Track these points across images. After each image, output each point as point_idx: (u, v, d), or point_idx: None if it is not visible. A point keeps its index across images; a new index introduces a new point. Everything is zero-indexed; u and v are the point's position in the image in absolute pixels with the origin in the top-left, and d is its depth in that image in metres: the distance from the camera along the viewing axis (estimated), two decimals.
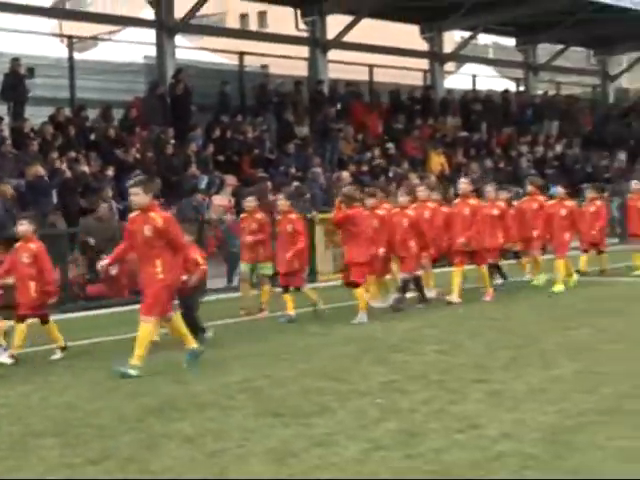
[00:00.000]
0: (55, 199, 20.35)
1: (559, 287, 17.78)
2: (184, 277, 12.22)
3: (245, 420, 8.49)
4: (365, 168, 26.80)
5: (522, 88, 39.39)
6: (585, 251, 20.07)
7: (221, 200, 15.87)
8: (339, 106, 30.02)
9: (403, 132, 30.56)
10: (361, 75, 32.48)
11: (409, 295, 16.57)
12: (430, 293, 16.99)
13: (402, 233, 15.91)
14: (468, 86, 37.45)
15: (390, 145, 28.85)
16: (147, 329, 10.91)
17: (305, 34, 30.58)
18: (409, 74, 34.10)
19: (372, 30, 33.35)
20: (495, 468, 6.85)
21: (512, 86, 39.96)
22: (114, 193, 21.00)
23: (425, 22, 33.94)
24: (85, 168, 21.21)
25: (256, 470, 6.98)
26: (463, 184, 17.33)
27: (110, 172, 21.62)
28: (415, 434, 7.82)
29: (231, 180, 23.10)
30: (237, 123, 26.29)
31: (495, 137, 33.38)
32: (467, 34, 37.91)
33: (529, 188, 19.64)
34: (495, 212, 17.91)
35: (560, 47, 40.69)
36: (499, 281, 18.59)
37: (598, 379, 9.61)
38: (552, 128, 36.08)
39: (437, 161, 29.54)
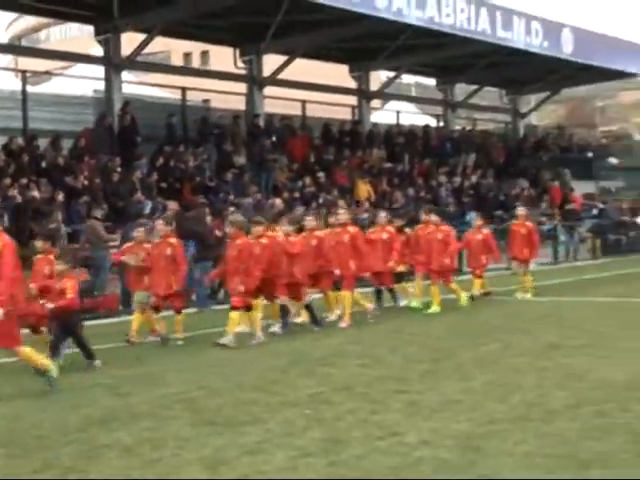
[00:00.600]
0: (7, 222, 19.99)
1: (435, 308, 17.56)
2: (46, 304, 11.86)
3: (181, 429, 8.36)
4: (297, 195, 26.78)
5: (441, 123, 39.64)
6: (477, 276, 19.87)
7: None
8: (274, 138, 29.95)
9: (333, 162, 30.54)
10: (295, 110, 32.52)
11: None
12: (297, 319, 16.02)
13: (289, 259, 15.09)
14: (392, 121, 37.62)
15: (321, 174, 28.81)
16: (24, 352, 10.36)
17: (243, 72, 30.52)
18: (339, 109, 34.19)
19: (305, 69, 33.33)
20: (413, 472, 6.82)
21: (432, 122, 40.20)
22: (64, 217, 20.75)
23: (354, 62, 34.08)
24: (36, 193, 20.90)
25: (191, 477, 6.87)
26: (341, 214, 16.77)
27: (60, 197, 21.33)
28: (339, 442, 7.75)
29: (173, 205, 22.87)
30: (179, 153, 26.07)
31: (417, 168, 33.46)
32: (392, 74, 38.11)
33: (424, 216, 18.77)
34: (385, 236, 17.72)
35: (476, 87, 41.12)
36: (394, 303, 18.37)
37: (506, 390, 9.62)
38: (468, 160, 36.24)
39: (364, 189, 29.54)
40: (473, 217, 31.52)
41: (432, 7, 27.06)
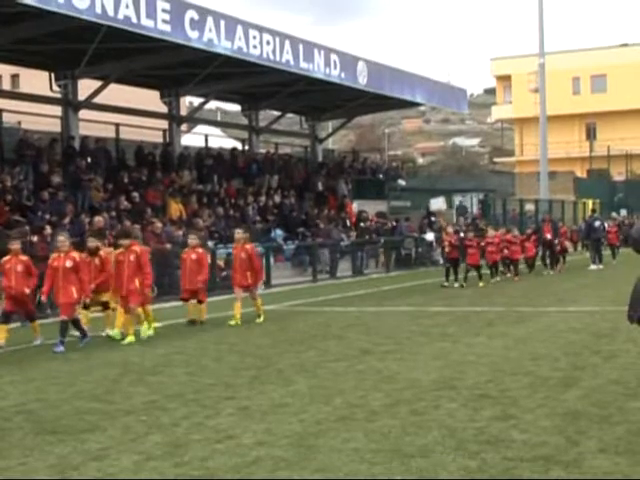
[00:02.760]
0: None
1: (130, 339, 15.18)
2: None
3: (24, 439, 8.15)
4: (114, 214, 26.36)
5: (247, 147, 39.89)
6: (185, 300, 17.69)
7: None
8: (89, 159, 29.41)
9: (146, 183, 30.24)
10: (109, 132, 32.01)
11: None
12: None
13: None
14: (202, 144, 37.57)
15: (135, 194, 28.47)
16: None
17: (59, 95, 29.80)
18: (151, 132, 33.87)
19: (119, 93, 32.88)
20: (254, 470, 6.92)
21: (239, 145, 40.41)
22: None
23: (165, 88, 33.87)
24: None
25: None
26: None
27: None
28: (180, 445, 7.75)
29: None
30: None
31: (225, 188, 33.59)
32: (200, 99, 38.02)
33: (125, 242, 15.93)
34: (69, 264, 14.74)
35: (278, 113, 41.65)
36: (76, 333, 15.16)
37: (329, 392, 9.84)
38: (272, 181, 36.65)
39: (176, 208, 29.39)
40: (278, 234, 32.30)
41: (240, 38, 27.23)
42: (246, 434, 8.04)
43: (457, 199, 46.41)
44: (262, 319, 17.67)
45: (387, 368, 11.35)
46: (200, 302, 17.78)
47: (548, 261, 31.17)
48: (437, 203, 42.13)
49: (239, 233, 18.17)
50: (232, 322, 17.24)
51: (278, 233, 32.50)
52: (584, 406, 8.61)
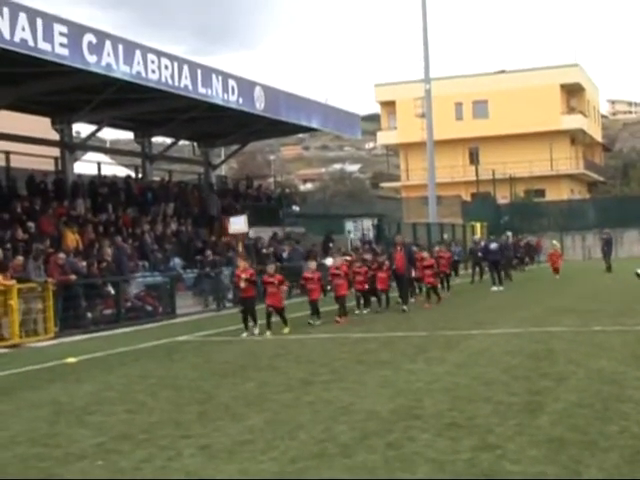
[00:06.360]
0: None
1: None
2: None
3: None
4: (9, 245, 25.22)
5: (141, 175, 39.00)
6: None
7: None
8: None
9: (40, 212, 29.14)
10: None
11: None
12: None
13: None
14: (93, 172, 36.52)
15: (31, 224, 27.36)
16: None
17: None
18: (43, 160, 32.73)
19: (9, 120, 31.64)
20: None
21: (131, 173, 39.51)
22: None
23: (56, 115, 32.78)
24: None
25: None
26: None
27: None
28: None
29: None
30: None
31: (121, 217, 32.68)
32: (92, 127, 36.95)
33: None
34: None
35: (172, 140, 40.93)
36: None
37: (289, 427, 9.33)
38: (168, 209, 35.90)
39: (72, 238, 28.36)
40: (177, 263, 31.53)
41: (139, 63, 26.57)
42: (220, 476, 7.49)
43: (350, 224, 46.44)
44: None
45: (337, 399, 10.89)
46: None
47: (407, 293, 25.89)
48: (238, 223, 34.59)
49: None
50: None
51: (177, 262, 31.75)
52: (563, 432, 8.36)
